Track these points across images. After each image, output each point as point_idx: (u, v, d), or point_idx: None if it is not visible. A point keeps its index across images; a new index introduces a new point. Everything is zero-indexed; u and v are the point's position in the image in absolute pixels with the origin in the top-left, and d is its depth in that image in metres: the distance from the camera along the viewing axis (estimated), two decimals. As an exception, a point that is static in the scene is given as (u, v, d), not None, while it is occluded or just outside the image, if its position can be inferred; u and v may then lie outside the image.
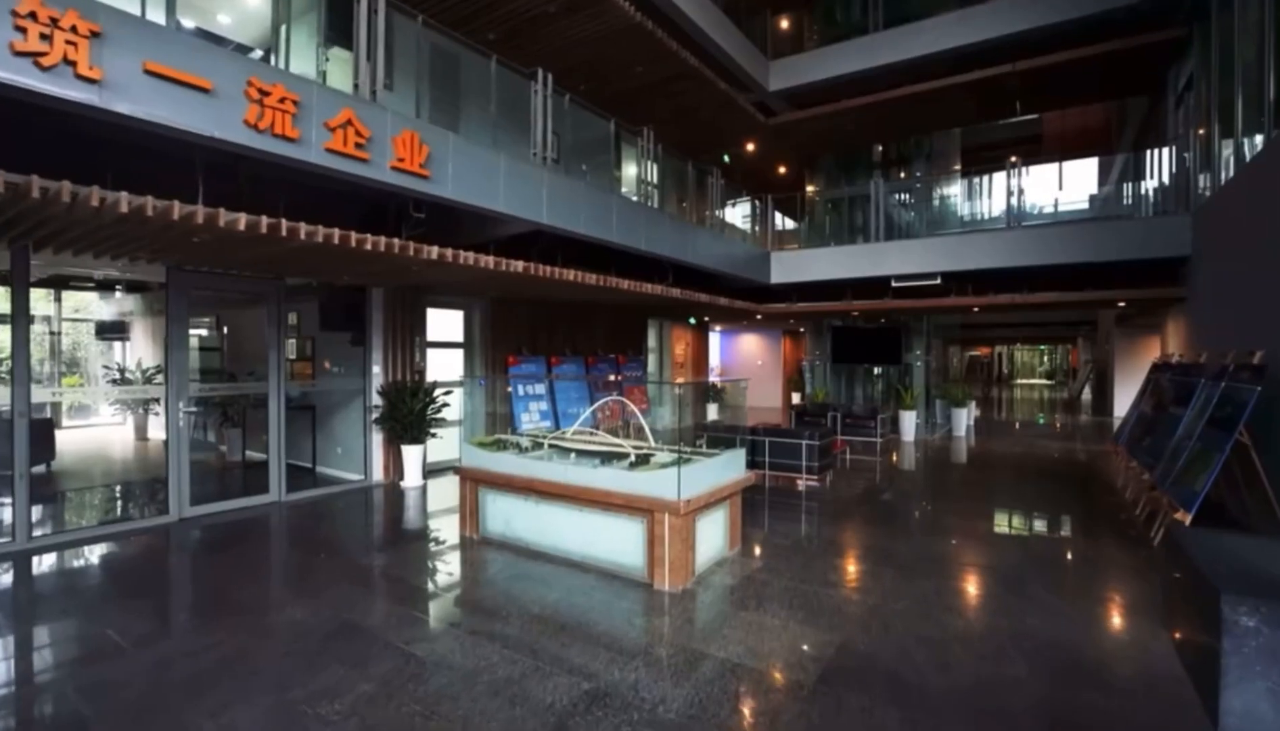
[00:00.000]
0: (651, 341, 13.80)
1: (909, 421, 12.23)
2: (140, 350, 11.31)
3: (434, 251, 5.58)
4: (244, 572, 4.83)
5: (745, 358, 20.12)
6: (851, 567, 4.99)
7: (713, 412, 14.55)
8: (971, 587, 4.49)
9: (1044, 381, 39.32)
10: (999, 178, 11.19)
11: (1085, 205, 11.20)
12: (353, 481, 7.99)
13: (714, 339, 19.93)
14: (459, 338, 9.45)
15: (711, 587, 4.43)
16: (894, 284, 10.58)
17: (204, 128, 3.98)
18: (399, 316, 8.18)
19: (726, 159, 13.41)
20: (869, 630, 3.71)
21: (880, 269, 10.52)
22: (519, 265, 6.43)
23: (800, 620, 3.87)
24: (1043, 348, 40.15)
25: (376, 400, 7.95)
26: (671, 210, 10.04)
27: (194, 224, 4.14)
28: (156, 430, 10.16)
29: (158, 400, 6.49)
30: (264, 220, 4.37)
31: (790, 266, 11.43)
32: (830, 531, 6.01)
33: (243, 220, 4.27)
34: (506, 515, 5.40)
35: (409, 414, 7.79)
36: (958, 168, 13.59)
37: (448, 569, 4.96)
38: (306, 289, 8.15)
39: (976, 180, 11.78)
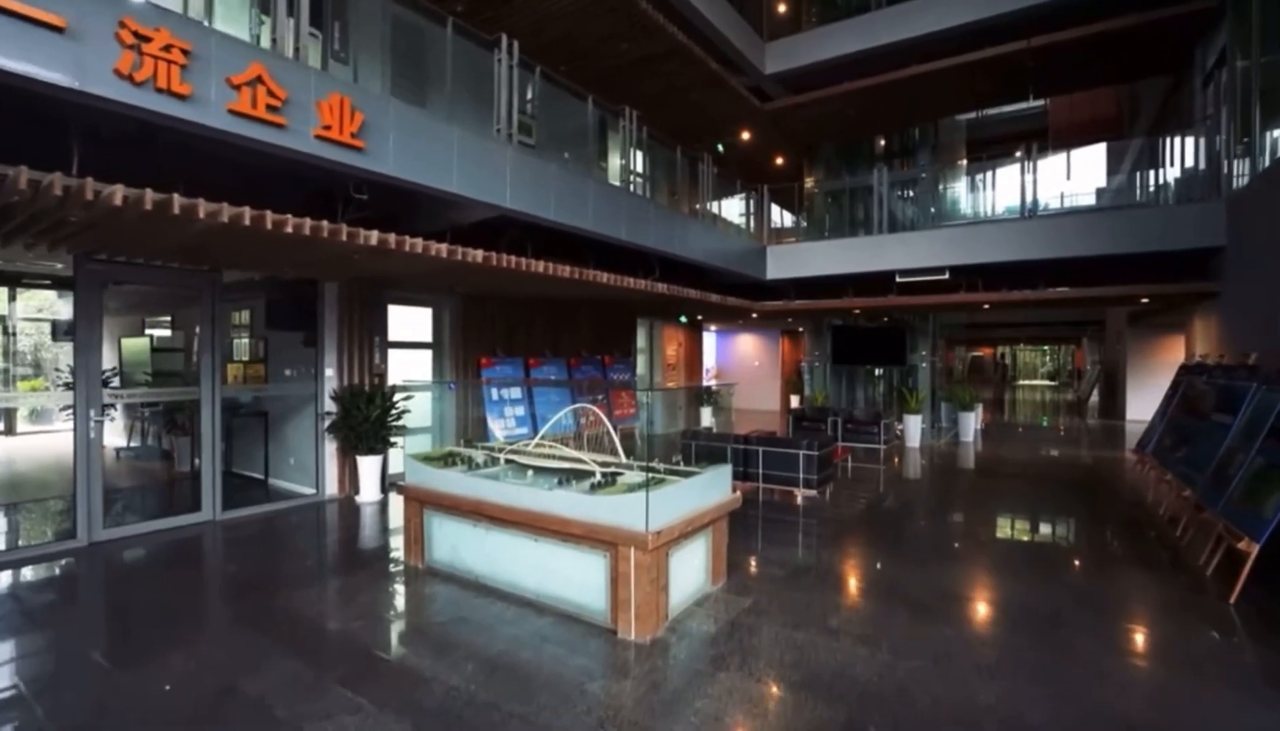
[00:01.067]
0: (641, 342, 13.05)
1: (914, 426, 11.49)
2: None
3: (373, 236, 4.83)
4: (129, 615, 4.07)
5: (742, 359, 19.37)
6: (856, 607, 4.24)
7: (706, 417, 13.80)
8: (1004, 637, 3.73)
9: (1047, 382, 38.59)
10: (1011, 167, 10.47)
11: (1092, 199, 10.45)
12: (305, 496, 7.24)
13: (709, 339, 19.19)
14: (427, 337, 8.70)
15: (687, 636, 3.67)
16: (898, 279, 9.84)
17: (59, 77, 3.23)
18: (355, 314, 7.43)
19: (721, 149, 12.67)
20: (881, 701, 2.96)
21: (883, 263, 9.78)
22: (478, 255, 5.68)
23: (793, 685, 3.11)
24: (1046, 348, 39.41)
25: (331, 406, 7.21)
26: (662, 202, 9.31)
27: (54, 198, 3.39)
28: (115, 436, 9.40)
29: (70, 407, 5.74)
30: (149, 195, 3.62)
31: (787, 261, 10.69)
32: (830, 556, 5.25)
33: (119, 194, 3.52)
34: (454, 542, 4.65)
35: (364, 421, 7.04)
36: (964, 162, 12.87)
37: (379, 610, 4.21)
38: (254, 284, 7.41)
39: (986, 170, 11.04)
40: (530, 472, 4.68)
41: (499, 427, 8.83)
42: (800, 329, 16.94)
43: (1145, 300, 9.46)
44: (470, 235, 6.44)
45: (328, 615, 4.05)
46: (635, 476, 4.28)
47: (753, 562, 5.06)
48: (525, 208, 6.05)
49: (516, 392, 9.29)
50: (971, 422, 12.40)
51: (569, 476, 4.46)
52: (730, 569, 4.70)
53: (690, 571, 4.12)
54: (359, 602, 4.27)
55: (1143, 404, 15.78)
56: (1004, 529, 6.27)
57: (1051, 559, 5.35)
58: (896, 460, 10.25)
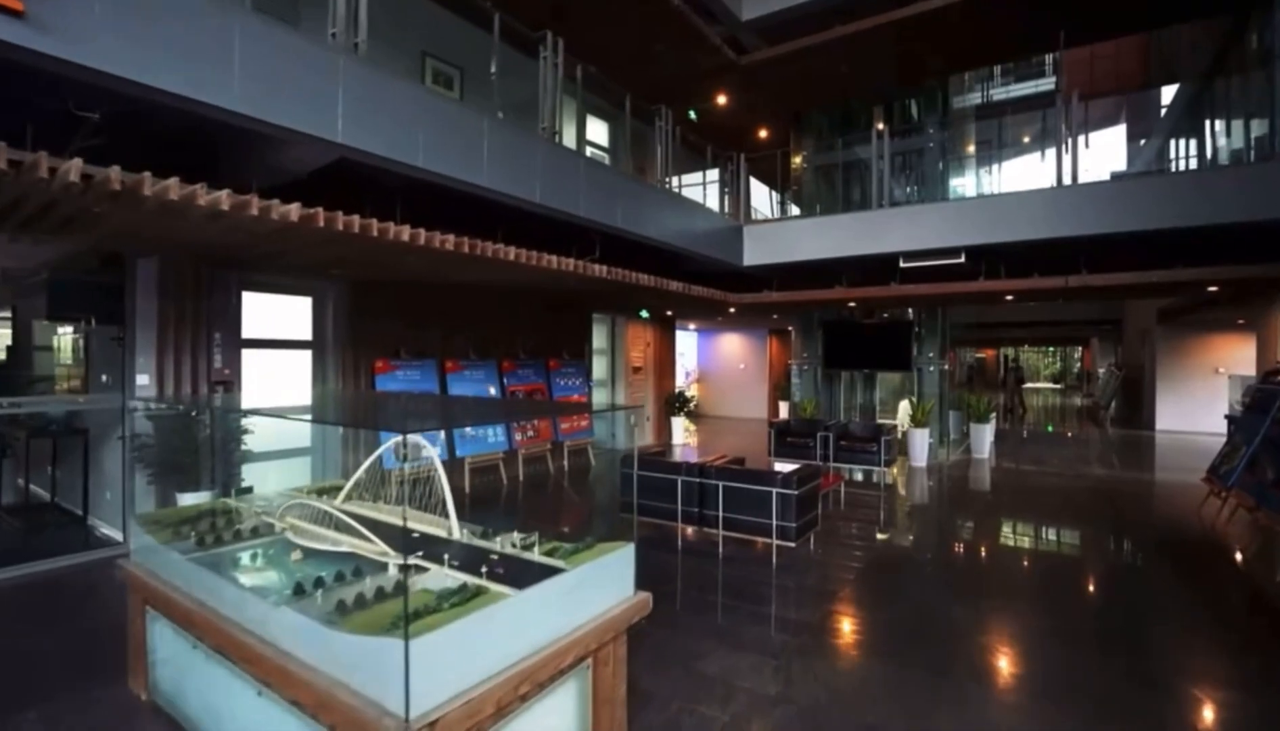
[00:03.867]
0: (600, 342, 11.21)
1: (920, 441, 9.67)
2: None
3: (73, 170, 3.00)
4: None
5: (726, 361, 17.55)
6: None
7: (678, 430, 11.95)
8: None
9: (1051, 385, 36.82)
10: (1034, 128, 8.67)
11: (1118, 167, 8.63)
12: (115, 544, 5.41)
13: (688, 340, 17.36)
14: (306, 334, 6.85)
15: None
16: (902, 264, 8.02)
17: None
18: (186, 303, 5.59)
19: (693, 115, 10.85)
20: None
21: (883, 244, 7.96)
22: (290, 211, 3.84)
23: None
24: (1052, 350, 37.66)
25: (147, 425, 5.36)
26: (611, 167, 7.48)
27: None
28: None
29: None
30: None
31: (768, 243, 8.86)
32: (805, 676, 3.41)
33: None
34: (176, 668, 2.81)
35: (183, 449, 5.20)
36: (973, 131, 11.06)
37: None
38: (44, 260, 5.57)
39: (1008, 129, 9.24)
40: (297, 556, 2.82)
41: (396, 452, 6.97)
42: (791, 327, 15.09)
43: (1213, 288, 7.61)
44: (320, 189, 4.60)
45: None
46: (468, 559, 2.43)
47: (671, 692, 3.21)
48: (372, 147, 4.21)
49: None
50: (987, 436, 10.58)
51: (372, 565, 2.61)
52: (636, 711, 2.86)
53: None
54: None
55: (1175, 414, 14.00)
56: (1064, 603, 4.43)
57: (1160, 675, 3.52)
58: (900, 484, 8.42)
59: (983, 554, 5.60)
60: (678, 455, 10.97)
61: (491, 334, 8.49)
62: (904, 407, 11.09)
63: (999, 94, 13.03)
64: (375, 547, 2.61)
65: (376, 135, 4.26)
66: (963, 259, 7.61)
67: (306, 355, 6.83)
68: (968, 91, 11.84)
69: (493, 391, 8.28)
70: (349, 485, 3.41)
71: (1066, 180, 6.92)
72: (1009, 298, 9.07)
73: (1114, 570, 5.26)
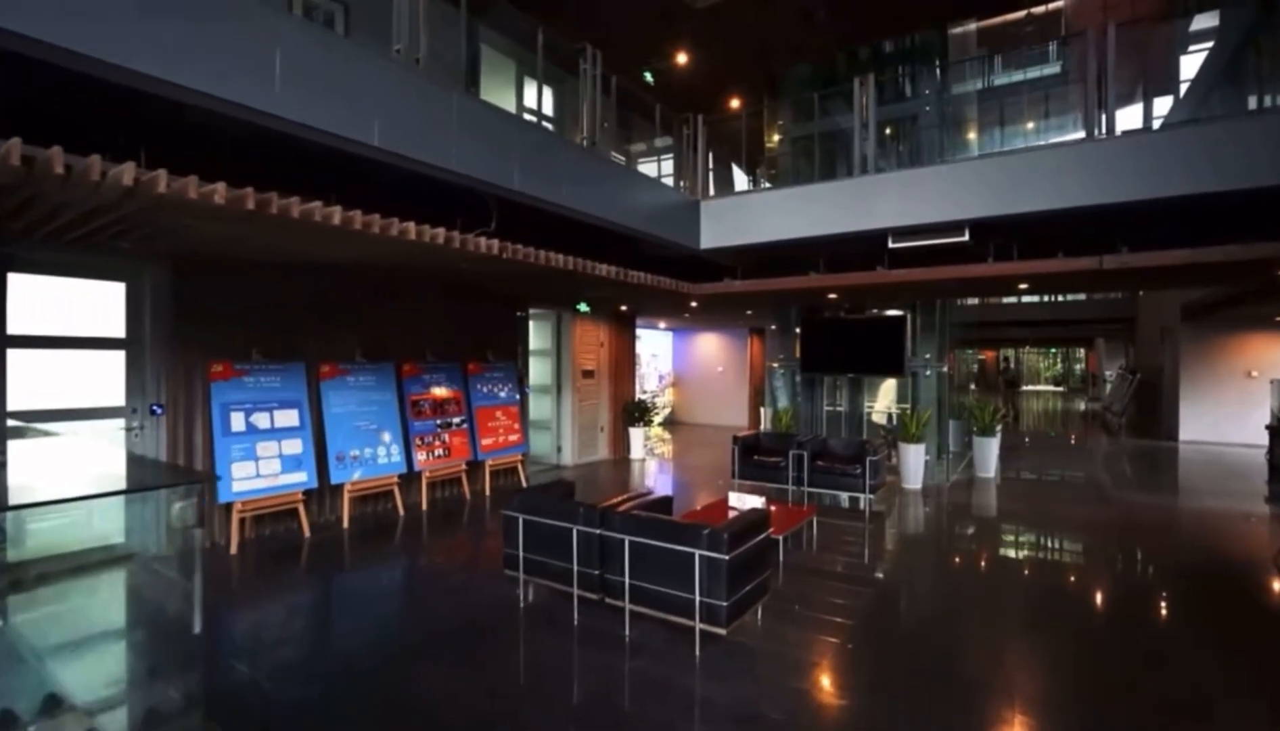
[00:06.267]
0: (541, 341, 9.65)
1: (914, 459, 8.13)
2: None
3: None
4: None
5: (704, 363, 15.99)
6: None
7: (637, 444, 10.38)
8: None
9: (1052, 388, 35.34)
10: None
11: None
12: None
13: (662, 340, 15.82)
14: (118, 330, 5.28)
15: None
16: (891, 245, 6.49)
17: None
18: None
19: (649, 77, 9.33)
20: None
21: (869, 220, 6.43)
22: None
23: None
24: (1054, 351, 36.20)
25: None
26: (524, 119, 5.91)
27: None
28: None
29: None
30: None
31: (730, 221, 7.32)
32: None
33: None
34: None
35: None
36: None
37: None
38: None
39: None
40: None
41: (240, 473, 5.41)
42: (775, 325, 13.53)
43: None
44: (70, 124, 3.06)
45: None
46: None
47: None
48: (113, 56, 2.66)
49: (292, 416, 5.87)
50: (992, 451, 9.04)
51: None
52: None
53: None
54: None
55: (1201, 423, 12.48)
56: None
57: None
58: (890, 516, 6.87)
59: (989, 604, 4.06)
60: (638, 475, 9.42)
61: (389, 331, 6.93)
62: (885, 393, 9.62)
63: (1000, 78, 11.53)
64: None
65: (119, 37, 2.70)
66: (966, 237, 6.07)
67: (119, 357, 5.25)
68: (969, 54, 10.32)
69: (389, 401, 6.71)
70: None
71: (1101, 134, 5.39)
72: (1023, 286, 7.55)
73: (1201, 661, 3.72)
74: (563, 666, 3.51)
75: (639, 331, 13.92)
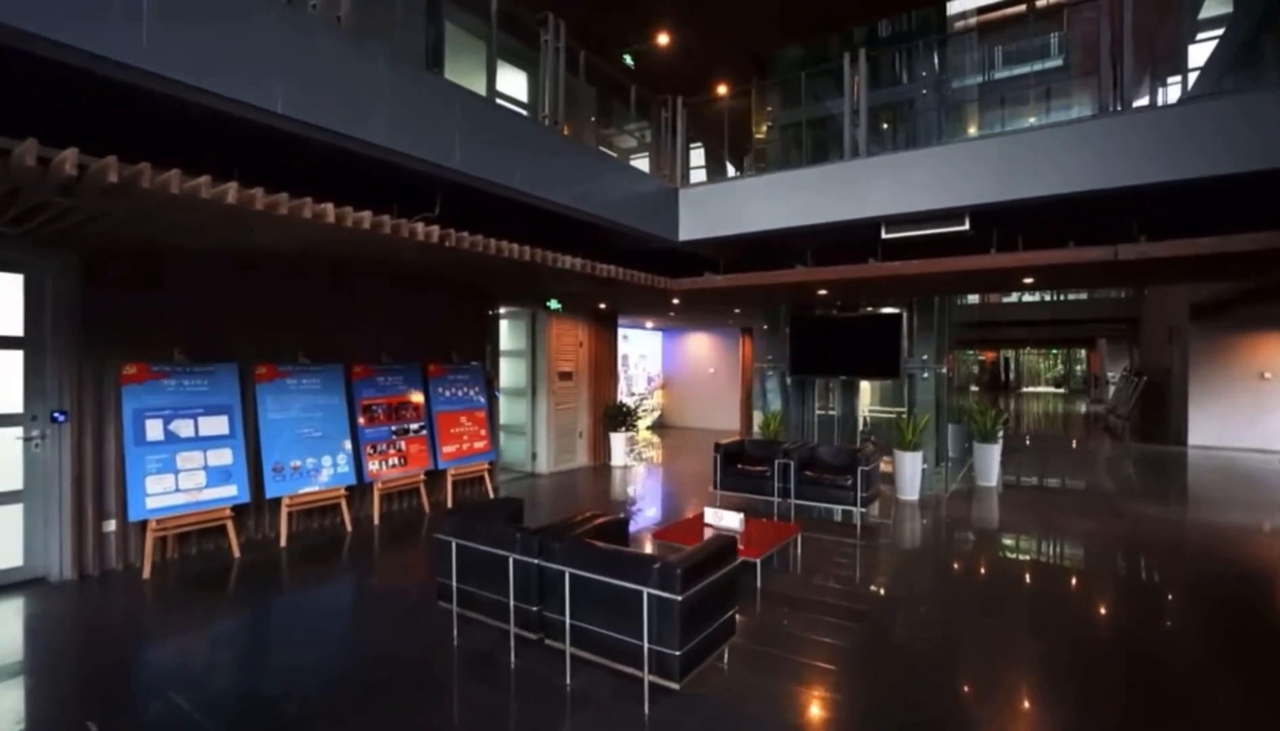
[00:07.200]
0: (513, 341, 9.09)
1: (910, 468, 7.57)
2: None
3: None
4: None
5: (694, 365, 15.43)
6: None
7: (618, 450, 9.80)
8: None
9: (1052, 390, 34.79)
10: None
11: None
12: None
13: (651, 340, 15.26)
14: (15, 329, 4.71)
15: None
16: (884, 235, 5.93)
17: None
18: None
19: (629, 60, 8.77)
20: None
21: (862, 207, 5.87)
22: None
23: None
24: (1055, 352, 35.65)
25: None
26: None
27: None
28: None
29: None
30: None
31: (711, 210, 6.76)
32: None
33: None
34: None
35: None
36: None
37: None
38: None
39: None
40: None
41: (156, 487, 4.85)
42: (767, 325, 12.97)
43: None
44: None
45: None
46: None
47: None
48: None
49: (220, 424, 5.30)
50: (994, 458, 8.49)
51: None
52: None
53: None
54: None
55: (1212, 427, 11.93)
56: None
57: None
58: (884, 531, 6.30)
59: (1020, 676, 3.49)
60: (618, 483, 8.85)
61: (337, 329, 6.36)
62: (861, 395, 9.14)
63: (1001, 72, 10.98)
64: None
65: None
66: (967, 225, 5.52)
67: (17, 358, 4.69)
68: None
69: (337, 406, 6.15)
70: None
71: (1115, 106, 4.84)
72: (1028, 280, 6.99)
73: (1237, 704, 3.16)
74: (489, 723, 2.94)
75: (625, 331, 13.37)
